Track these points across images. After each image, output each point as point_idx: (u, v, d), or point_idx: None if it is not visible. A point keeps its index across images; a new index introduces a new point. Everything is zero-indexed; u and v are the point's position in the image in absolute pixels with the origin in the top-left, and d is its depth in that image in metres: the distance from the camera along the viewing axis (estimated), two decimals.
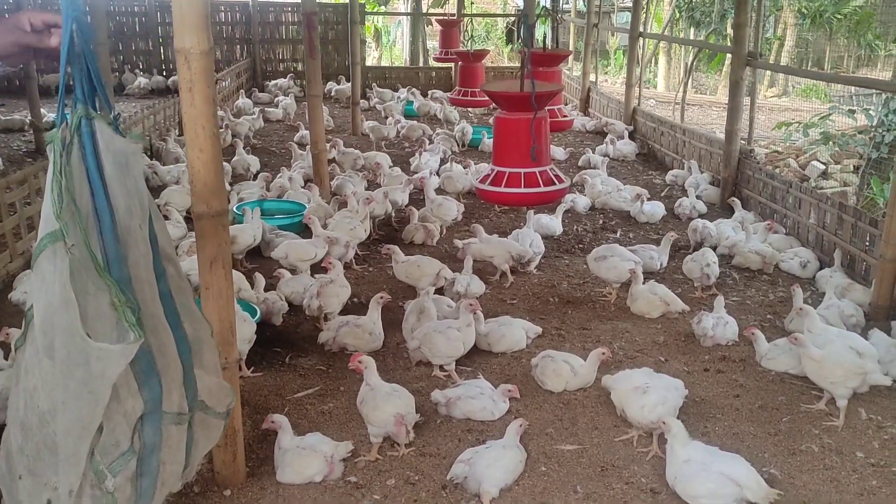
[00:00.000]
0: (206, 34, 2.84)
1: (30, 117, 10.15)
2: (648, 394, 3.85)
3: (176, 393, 1.97)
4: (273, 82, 14.61)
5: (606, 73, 19.77)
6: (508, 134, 4.45)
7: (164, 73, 14.85)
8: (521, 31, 4.74)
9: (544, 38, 6.79)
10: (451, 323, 4.61)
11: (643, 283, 5.49)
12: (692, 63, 14.18)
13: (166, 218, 6.28)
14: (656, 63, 20.41)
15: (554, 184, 4.51)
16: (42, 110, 9.87)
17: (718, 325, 4.88)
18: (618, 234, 7.26)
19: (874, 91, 10.59)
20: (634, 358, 4.77)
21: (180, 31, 2.81)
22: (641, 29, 11.67)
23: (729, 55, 10.63)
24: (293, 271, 5.73)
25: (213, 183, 3.04)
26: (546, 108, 4.53)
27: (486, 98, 9.75)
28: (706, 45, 17.39)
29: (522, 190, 4.36)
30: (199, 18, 2.81)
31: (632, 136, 10.82)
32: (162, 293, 1.95)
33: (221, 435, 2.32)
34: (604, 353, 4.38)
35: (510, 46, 24.96)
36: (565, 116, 7.11)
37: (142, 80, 14.09)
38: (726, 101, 8.21)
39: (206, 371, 2.15)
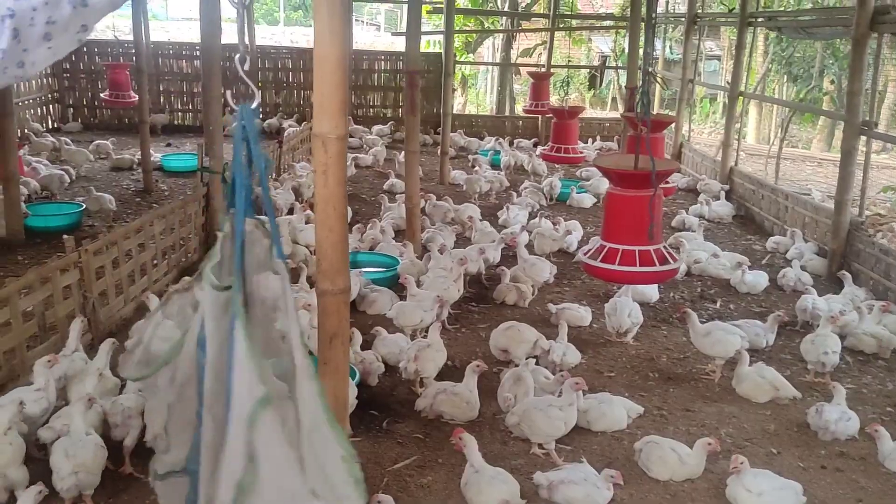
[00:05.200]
0: (344, 121, 2.88)
1: (139, 156, 10.59)
2: (764, 496, 3.65)
3: None
4: (374, 127, 14.81)
5: (691, 121, 19.46)
6: (623, 211, 4.37)
7: (260, 117, 15.33)
8: (637, 104, 4.67)
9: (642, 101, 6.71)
10: (552, 400, 4.50)
11: (749, 363, 5.27)
12: (788, 120, 13.81)
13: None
14: (746, 114, 19.97)
15: (668, 262, 4.39)
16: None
17: (841, 419, 4.61)
18: (718, 304, 7.02)
19: None
20: (743, 448, 4.55)
21: (320, 116, 2.86)
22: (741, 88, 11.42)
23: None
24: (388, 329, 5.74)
25: (338, 262, 3.06)
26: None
27: (580, 155, 9.73)
28: (816, 110, 16.79)
29: (637, 269, 4.26)
30: (338, 106, 2.85)
31: (728, 197, 10.54)
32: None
33: None
34: (710, 444, 4.20)
35: (592, 92, 24.99)
36: (667, 183, 6.96)
37: None
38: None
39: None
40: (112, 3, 1.37)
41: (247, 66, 1.75)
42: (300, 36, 27.92)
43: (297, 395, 1.54)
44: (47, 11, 1.28)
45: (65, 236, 5.38)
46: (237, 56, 1.71)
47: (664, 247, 4.49)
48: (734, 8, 12.96)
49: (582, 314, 6.33)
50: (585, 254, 4.70)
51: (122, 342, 4.87)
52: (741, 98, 11.42)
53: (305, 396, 1.54)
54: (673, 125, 12.83)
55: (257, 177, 1.79)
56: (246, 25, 1.70)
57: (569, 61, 15.66)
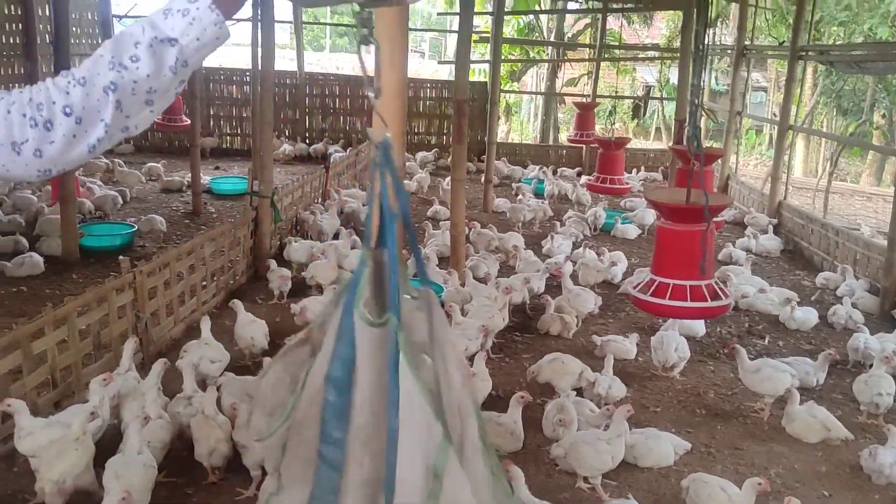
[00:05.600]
0: (402, 155, 2.93)
1: (189, 179, 10.85)
2: None
3: None
4: (418, 154, 14.95)
5: (735, 152, 19.26)
6: (675, 245, 4.35)
7: (307, 142, 15.59)
8: (688, 138, 4.66)
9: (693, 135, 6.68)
10: (600, 434, 4.46)
11: (800, 402, 5.16)
12: (837, 155, 13.60)
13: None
14: (794, 146, 19.71)
15: (719, 298, 4.34)
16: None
17: None
18: (766, 340, 6.90)
19: None
20: (794, 489, 4.45)
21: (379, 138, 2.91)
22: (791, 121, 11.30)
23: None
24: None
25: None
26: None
27: (626, 187, 9.69)
28: (867, 145, 16.37)
29: (688, 304, 4.22)
30: (397, 140, 2.90)
31: (776, 231, 10.38)
32: None
33: None
34: (760, 484, 4.11)
35: (636, 122, 24.95)
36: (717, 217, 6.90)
37: (287, 147, 14.82)
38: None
39: None
40: (210, 53, 1.39)
41: (378, 102, 1.77)
42: (345, 62, 28.34)
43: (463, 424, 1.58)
44: (149, 82, 1.32)
45: (120, 258, 5.53)
46: (370, 93, 1.74)
47: (715, 282, 4.45)
48: (784, 41, 12.85)
49: (627, 347, 6.26)
50: (635, 287, 4.67)
51: (172, 361, 4.98)
52: (791, 131, 11.29)
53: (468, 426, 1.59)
54: (721, 160, 12.73)
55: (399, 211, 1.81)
56: (363, 60, 1.72)
57: (615, 91, 15.65)
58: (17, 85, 11.88)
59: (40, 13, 12.22)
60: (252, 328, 5.71)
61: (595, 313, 7.18)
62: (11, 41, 11.79)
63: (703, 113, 8.32)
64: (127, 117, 1.34)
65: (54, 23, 7.97)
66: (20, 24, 11.90)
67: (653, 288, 4.35)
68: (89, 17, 14.12)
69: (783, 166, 11.18)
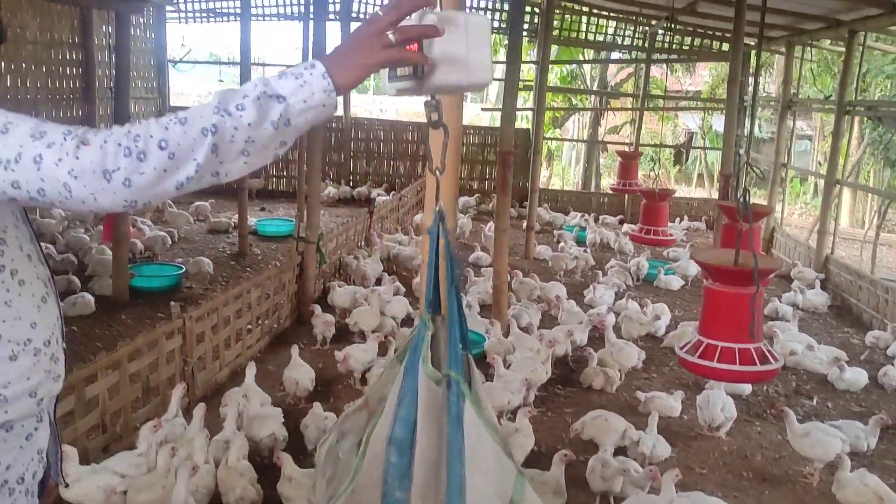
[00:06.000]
0: (454, 217, 2.98)
1: (235, 220, 11.07)
2: None
3: None
4: (460, 199, 15.06)
5: (780, 202, 19.02)
6: (723, 307, 4.31)
7: (351, 185, 15.83)
8: (738, 200, 4.64)
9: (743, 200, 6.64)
10: (649, 499, 4.39)
11: (851, 468, 5.02)
12: (886, 207, 13.35)
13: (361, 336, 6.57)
14: (840, 196, 19.40)
15: (769, 362, 4.27)
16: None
17: None
18: (814, 401, 6.74)
19: None
20: None
21: (430, 213, 2.96)
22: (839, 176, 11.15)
23: None
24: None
25: None
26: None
27: (670, 238, 9.63)
28: None
29: (737, 367, 4.16)
30: (450, 204, 2.95)
31: (823, 286, 10.19)
32: None
33: None
34: None
35: (677, 168, 24.87)
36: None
37: (331, 190, 15.07)
38: None
39: None
40: (314, 122, 1.42)
41: (440, 175, 1.83)
42: (389, 105, 28.76)
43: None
44: (249, 132, 1.35)
45: (172, 303, 5.64)
46: (436, 169, 1.80)
47: (764, 345, 4.38)
48: (830, 95, 12.77)
49: (672, 404, 6.16)
50: (682, 348, 4.63)
51: (214, 407, 5.04)
52: (838, 185, 11.15)
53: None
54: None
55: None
56: (430, 146, 1.80)
57: (660, 141, 15.62)
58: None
59: (99, 59, 12.73)
60: (299, 372, 5.82)
61: (638, 367, 7.10)
62: (72, 85, 12.29)
63: (752, 171, 8.24)
64: (221, 163, 1.37)
65: (116, 67, 8.27)
66: (80, 69, 12.42)
67: (700, 349, 4.31)
68: (145, 62, 14.63)
69: (830, 219, 11.01)
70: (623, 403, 6.39)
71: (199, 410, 4.69)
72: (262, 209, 14.10)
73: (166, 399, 5.00)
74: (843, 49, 10.79)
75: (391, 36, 1.47)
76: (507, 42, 9.23)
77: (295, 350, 6.09)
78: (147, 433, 4.25)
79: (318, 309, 7.35)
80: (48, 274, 1.80)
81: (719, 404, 5.91)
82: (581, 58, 18.57)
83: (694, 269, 10.36)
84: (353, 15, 15.64)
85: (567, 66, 19.51)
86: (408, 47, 1.50)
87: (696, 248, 11.94)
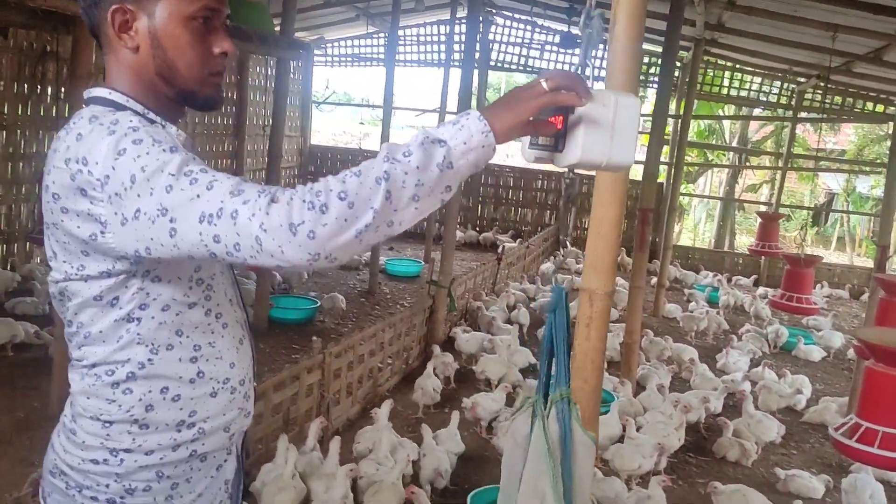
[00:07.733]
0: (613, 278, 2.96)
1: (367, 258, 11.40)
2: None
3: None
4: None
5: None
6: (887, 390, 4.03)
7: (477, 229, 16.00)
8: None
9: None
10: None
11: None
12: None
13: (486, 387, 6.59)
14: None
15: None
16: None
17: None
18: None
19: None
20: None
21: (590, 272, 2.97)
22: None
23: None
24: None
25: (590, 413, 3.08)
26: None
27: (814, 307, 9.12)
28: None
29: None
30: (609, 264, 2.95)
31: None
32: None
33: None
34: None
35: (815, 229, 23.65)
36: None
37: (458, 233, 15.27)
38: None
39: None
40: (475, 164, 1.48)
41: (567, 248, 1.89)
42: (515, 150, 28.88)
43: None
44: (418, 175, 1.42)
45: (314, 338, 5.84)
46: (565, 239, 1.85)
47: None
48: None
49: (814, 485, 5.78)
50: (837, 429, 4.34)
51: (347, 442, 5.14)
52: None
53: None
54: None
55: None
56: (567, 219, 1.84)
57: (800, 201, 14.95)
58: (225, 160, 13.22)
59: (251, 98, 13.63)
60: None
61: (777, 442, 6.72)
62: (225, 122, 13.19)
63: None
64: (395, 210, 1.42)
65: (274, 107, 8.79)
66: (234, 108, 13.33)
67: (858, 433, 4.03)
68: (291, 103, 15.49)
69: None
70: (759, 479, 6.06)
71: (335, 444, 4.80)
72: (391, 248, 14.45)
73: (304, 432, 5.15)
74: None
75: (544, 84, 1.52)
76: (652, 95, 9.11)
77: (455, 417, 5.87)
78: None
79: (437, 349, 7.40)
80: (244, 317, 1.93)
81: (867, 491, 5.48)
82: (721, 112, 18.12)
83: (838, 341, 9.77)
84: (492, 63, 16.01)
85: (704, 120, 19.08)
86: (551, 119, 1.55)
87: (859, 327, 11.23)
